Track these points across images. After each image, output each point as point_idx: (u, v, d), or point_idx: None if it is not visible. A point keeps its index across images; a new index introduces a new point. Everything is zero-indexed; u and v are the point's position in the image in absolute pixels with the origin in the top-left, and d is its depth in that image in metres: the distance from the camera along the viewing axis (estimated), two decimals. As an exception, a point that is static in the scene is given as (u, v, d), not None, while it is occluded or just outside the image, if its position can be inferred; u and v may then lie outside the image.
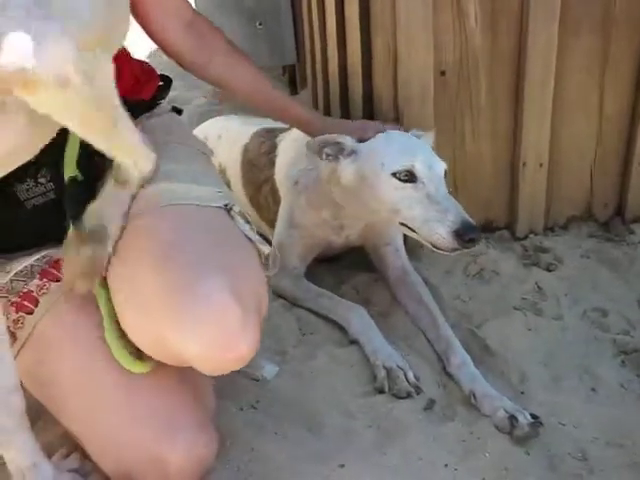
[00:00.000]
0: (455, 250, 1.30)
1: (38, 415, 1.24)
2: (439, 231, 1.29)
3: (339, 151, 1.44)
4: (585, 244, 1.87)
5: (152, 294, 0.93)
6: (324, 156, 1.45)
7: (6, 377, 0.97)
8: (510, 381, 1.39)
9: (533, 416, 1.24)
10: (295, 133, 1.78)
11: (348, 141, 1.42)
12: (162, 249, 0.98)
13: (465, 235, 1.27)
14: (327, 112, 2.61)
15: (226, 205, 1.08)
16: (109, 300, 1.01)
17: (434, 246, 1.33)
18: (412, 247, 1.78)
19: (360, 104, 1.89)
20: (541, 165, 1.79)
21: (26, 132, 0.82)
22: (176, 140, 1.22)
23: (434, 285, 1.68)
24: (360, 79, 1.93)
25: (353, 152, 1.43)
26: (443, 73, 1.68)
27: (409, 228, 1.38)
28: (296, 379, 1.39)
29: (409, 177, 1.36)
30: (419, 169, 1.36)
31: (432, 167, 1.38)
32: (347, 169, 1.44)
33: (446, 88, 1.70)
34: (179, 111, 1.37)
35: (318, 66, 2.69)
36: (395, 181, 1.36)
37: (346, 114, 2.21)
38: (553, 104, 1.73)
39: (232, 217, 1.08)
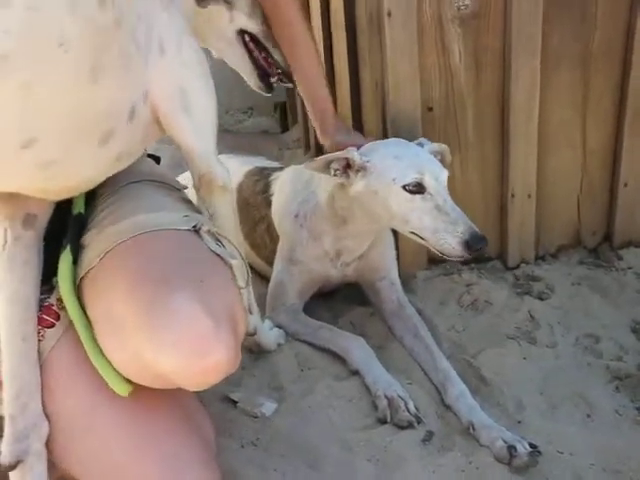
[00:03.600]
0: (463, 257, 1.38)
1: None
2: (449, 241, 1.36)
3: (347, 166, 1.47)
4: (575, 271, 1.89)
5: (125, 315, 0.95)
6: (332, 172, 1.48)
7: None
8: (507, 410, 1.40)
9: (532, 445, 1.25)
10: (288, 171, 1.82)
11: (356, 157, 1.46)
12: (131, 273, 1.00)
13: (474, 245, 1.34)
14: (319, 147, 2.65)
15: (194, 226, 1.09)
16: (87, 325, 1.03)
17: (443, 254, 1.39)
18: (406, 280, 1.81)
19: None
20: (529, 196, 1.83)
21: None
22: (140, 177, 1.24)
23: (428, 316, 1.70)
24: (350, 114, 1.98)
25: (362, 168, 1.46)
26: (430, 109, 1.73)
27: (419, 237, 1.43)
28: (295, 415, 1.39)
29: (418, 188, 1.40)
30: (427, 181, 1.41)
31: (438, 178, 1.43)
32: (357, 184, 1.48)
33: (434, 123, 1.75)
34: (156, 158, 1.41)
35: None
36: (406, 193, 1.41)
37: (337, 150, 2.25)
38: (538, 137, 1.78)
39: (201, 237, 1.08)
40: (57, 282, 1.08)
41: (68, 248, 1.08)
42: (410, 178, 1.41)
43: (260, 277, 1.89)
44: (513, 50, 1.67)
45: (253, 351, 1.56)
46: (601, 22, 1.73)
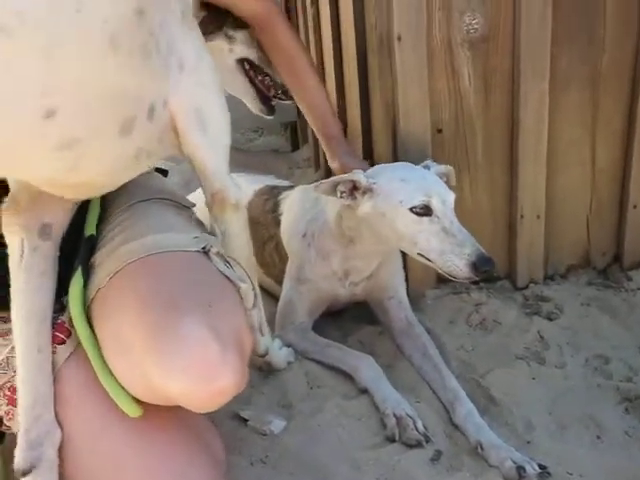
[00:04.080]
0: (471, 279, 1.39)
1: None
2: (457, 263, 1.37)
3: (354, 188, 1.49)
4: (585, 292, 1.90)
5: (133, 338, 0.96)
6: (339, 194, 1.50)
7: None
8: (516, 430, 1.40)
9: (541, 466, 1.25)
10: (297, 191, 1.84)
11: (363, 179, 1.47)
12: (140, 294, 1.02)
13: (481, 267, 1.35)
14: (329, 166, 2.67)
15: (203, 248, 1.10)
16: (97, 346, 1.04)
17: (450, 276, 1.40)
18: (415, 298, 1.82)
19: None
20: (538, 217, 1.84)
21: None
22: (150, 195, 1.26)
23: (437, 336, 1.71)
24: (360, 136, 2.00)
25: (369, 190, 1.48)
26: (440, 131, 1.75)
27: (426, 259, 1.44)
28: (304, 433, 1.40)
29: (425, 211, 1.42)
30: (434, 204, 1.42)
31: (445, 200, 1.44)
32: (364, 205, 1.49)
33: (444, 145, 1.77)
34: (164, 172, 1.42)
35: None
36: (413, 215, 1.42)
37: (347, 169, 2.27)
38: (547, 158, 1.79)
39: (210, 259, 1.10)
40: (67, 302, 1.09)
41: (79, 270, 1.09)
42: (417, 201, 1.42)
43: (269, 296, 1.90)
44: (522, 72, 1.69)
45: (263, 369, 1.57)
46: (609, 44, 1.74)
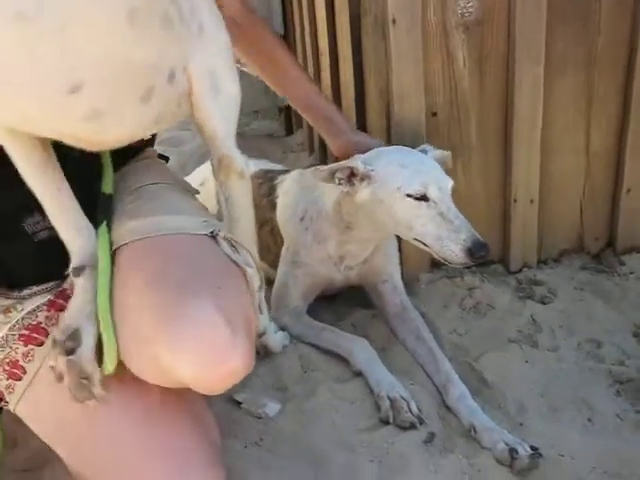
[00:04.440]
0: (466, 264, 1.41)
1: (46, 461, 1.27)
2: (452, 248, 1.38)
3: (352, 175, 1.49)
4: (578, 276, 1.91)
5: (143, 320, 0.96)
6: (337, 181, 1.50)
7: None
8: (508, 413, 1.41)
9: (533, 448, 1.26)
10: (293, 175, 1.84)
11: (360, 166, 1.47)
12: (148, 274, 1.02)
13: (476, 253, 1.37)
14: (323, 150, 2.68)
15: (212, 232, 1.12)
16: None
17: (446, 261, 1.41)
18: (409, 282, 1.82)
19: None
20: (532, 201, 1.85)
21: None
22: (159, 179, 1.27)
23: (431, 319, 1.72)
24: (354, 120, 2.00)
25: (367, 176, 1.48)
26: (435, 114, 1.75)
27: (422, 243, 1.45)
28: (299, 416, 1.41)
29: (422, 196, 1.42)
30: (432, 190, 1.43)
31: (442, 186, 1.45)
32: (362, 192, 1.49)
33: (438, 128, 1.76)
34: (166, 158, 1.44)
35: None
36: (410, 200, 1.43)
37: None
38: (541, 142, 1.79)
39: (218, 243, 1.11)
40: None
41: (105, 223, 1.10)
42: (415, 186, 1.42)
43: (264, 280, 1.90)
44: (517, 56, 1.69)
45: (259, 353, 1.57)
46: (604, 27, 1.74)
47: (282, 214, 1.79)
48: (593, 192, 1.92)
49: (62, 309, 1.09)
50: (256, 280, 1.12)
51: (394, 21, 1.63)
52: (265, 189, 1.87)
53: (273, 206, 1.82)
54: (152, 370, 0.98)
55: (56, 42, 0.72)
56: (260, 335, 1.44)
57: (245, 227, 1.20)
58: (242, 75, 1.76)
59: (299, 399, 1.46)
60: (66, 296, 1.09)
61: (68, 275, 1.07)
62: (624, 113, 1.83)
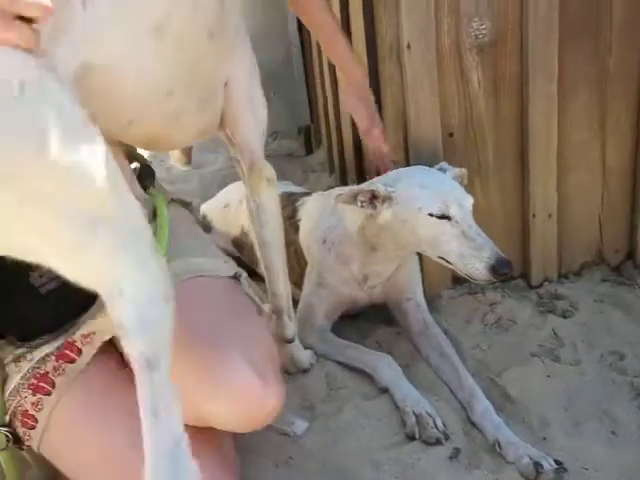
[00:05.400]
0: (490, 281, 1.44)
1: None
2: (476, 266, 1.42)
3: (373, 197, 1.53)
4: (599, 289, 1.92)
5: (184, 371, 0.99)
6: (359, 204, 1.54)
7: None
8: (532, 427, 1.43)
9: (557, 462, 1.28)
10: (315, 197, 1.89)
11: (381, 188, 1.51)
12: (185, 322, 1.06)
13: (500, 270, 1.40)
14: (342, 170, 2.72)
15: (235, 273, 1.21)
16: None
17: (470, 278, 1.45)
18: (431, 299, 1.85)
19: (374, 162, 1.99)
20: (550, 216, 1.87)
21: None
22: (182, 221, 1.34)
23: (453, 335, 1.75)
24: (373, 142, 2.03)
25: (388, 198, 1.51)
26: (451, 135, 1.78)
27: (446, 261, 1.48)
28: (326, 434, 1.44)
29: (444, 215, 1.46)
30: (453, 209, 1.46)
31: (463, 205, 1.48)
32: (384, 213, 1.53)
33: (455, 149, 1.80)
34: (188, 204, 1.47)
35: (332, 125, 2.82)
36: (432, 219, 1.46)
37: (360, 171, 2.32)
38: (557, 158, 1.82)
39: (241, 283, 1.21)
40: (81, 321, 1.13)
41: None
42: (436, 206, 1.46)
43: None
44: (530, 76, 1.72)
45: (289, 372, 1.62)
46: (616, 45, 1.76)
47: (305, 236, 1.83)
48: (611, 205, 1.94)
49: (71, 361, 1.12)
50: (266, 315, 1.24)
51: (409, 46, 1.67)
52: (288, 212, 1.91)
53: (296, 228, 1.86)
54: (190, 415, 1.01)
55: (174, 54, 0.88)
56: (290, 340, 1.54)
57: (274, 230, 1.35)
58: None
59: (326, 417, 1.50)
60: (75, 348, 1.12)
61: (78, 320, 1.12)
62: (638, 127, 1.85)
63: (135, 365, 0.79)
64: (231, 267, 1.24)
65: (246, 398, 1.04)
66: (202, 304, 1.13)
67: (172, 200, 1.44)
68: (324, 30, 1.69)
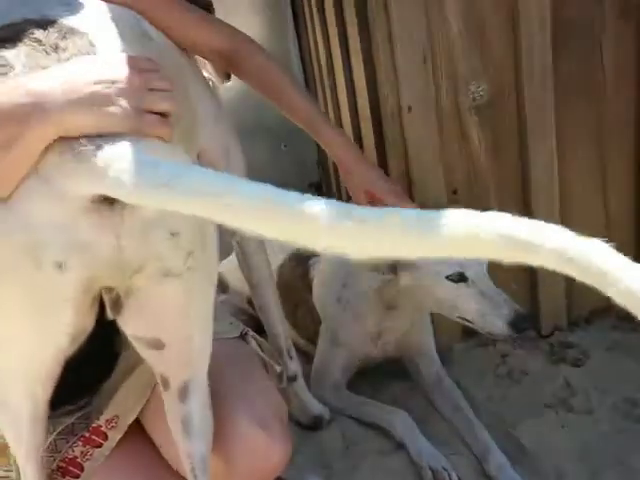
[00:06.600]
0: (510, 337, 1.47)
1: None
2: (496, 323, 1.44)
3: (395, 263, 1.57)
4: (609, 336, 1.93)
5: None
6: (381, 273, 1.59)
7: None
8: (548, 479, 1.44)
9: (574, 514, 1.29)
10: (327, 256, 1.93)
11: None
12: None
13: (520, 325, 1.42)
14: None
15: (242, 332, 1.25)
16: None
17: (491, 335, 1.48)
18: (443, 352, 1.87)
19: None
20: (557, 265, 1.89)
21: None
22: None
23: (466, 387, 1.76)
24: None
25: (411, 265, 1.55)
26: (455, 192, 1.84)
27: (466, 320, 1.51)
28: (343, 492, 1.46)
29: (461, 277, 1.49)
30: (469, 270, 1.49)
31: (479, 265, 1.51)
32: (404, 278, 1.57)
33: (459, 204, 1.83)
34: None
35: (342, 185, 2.88)
36: (450, 283, 1.49)
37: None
38: (560, 209, 1.86)
39: (248, 342, 1.25)
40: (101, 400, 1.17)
41: None
42: (452, 269, 1.49)
43: (303, 355, 1.96)
44: (529, 132, 1.78)
45: (302, 424, 1.65)
46: (611, 98, 1.82)
47: (318, 295, 1.87)
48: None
49: (98, 446, 1.15)
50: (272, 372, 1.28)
51: (410, 108, 1.74)
52: (300, 271, 1.96)
53: (309, 288, 1.91)
54: None
55: None
56: (292, 378, 1.57)
57: (261, 271, 1.48)
58: (270, 150, 1.83)
59: (342, 474, 1.52)
60: (101, 433, 1.15)
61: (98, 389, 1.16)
62: (637, 179, 1.90)
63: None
64: (236, 327, 1.27)
65: (254, 451, 1.07)
66: (211, 368, 1.14)
67: None
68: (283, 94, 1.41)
